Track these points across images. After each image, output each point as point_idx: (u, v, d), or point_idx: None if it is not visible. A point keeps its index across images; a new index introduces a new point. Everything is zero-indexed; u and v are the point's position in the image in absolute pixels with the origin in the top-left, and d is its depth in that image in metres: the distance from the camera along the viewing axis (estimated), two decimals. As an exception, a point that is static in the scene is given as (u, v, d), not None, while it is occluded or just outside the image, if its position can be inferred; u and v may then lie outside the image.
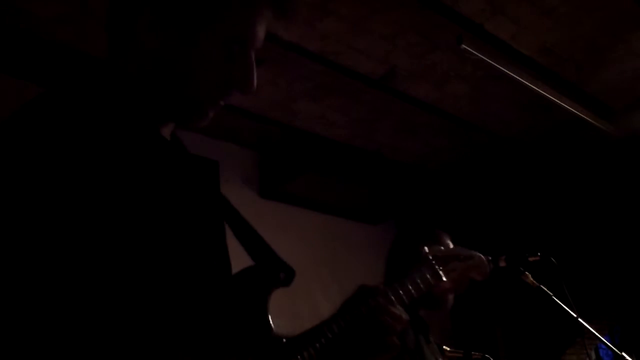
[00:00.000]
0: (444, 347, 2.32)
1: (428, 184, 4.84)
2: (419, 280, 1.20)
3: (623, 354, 1.98)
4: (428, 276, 1.22)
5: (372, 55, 3.39)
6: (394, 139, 4.30)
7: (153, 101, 0.95)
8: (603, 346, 2.55)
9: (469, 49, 3.15)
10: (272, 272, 1.08)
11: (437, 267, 1.25)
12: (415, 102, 3.87)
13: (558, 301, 2.05)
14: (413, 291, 1.17)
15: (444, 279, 1.23)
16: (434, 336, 2.12)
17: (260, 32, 0.97)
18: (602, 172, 4.47)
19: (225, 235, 1.07)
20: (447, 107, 3.97)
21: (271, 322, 1.03)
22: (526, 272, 2.13)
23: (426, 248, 1.28)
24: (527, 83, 3.47)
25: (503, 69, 3.34)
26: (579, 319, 2.04)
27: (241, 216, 1.13)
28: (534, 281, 2.11)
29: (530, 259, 2.15)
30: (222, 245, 1.04)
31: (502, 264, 2.16)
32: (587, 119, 3.91)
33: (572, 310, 2.05)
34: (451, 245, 2.15)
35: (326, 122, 3.98)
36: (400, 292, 1.15)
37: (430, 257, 1.25)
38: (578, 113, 3.82)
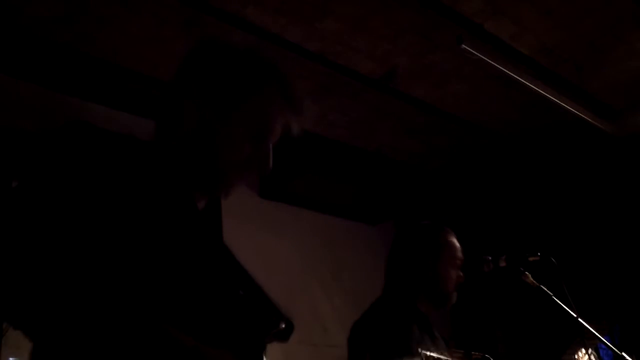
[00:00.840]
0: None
1: (428, 184, 4.84)
2: None
3: (623, 354, 1.98)
4: None
5: (372, 55, 3.39)
6: (394, 139, 4.30)
7: (189, 172, 1.11)
8: (603, 346, 2.54)
9: (469, 49, 3.15)
10: (274, 320, 1.19)
11: None
12: (415, 102, 3.87)
13: (558, 301, 2.05)
14: None
15: None
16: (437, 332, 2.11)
17: (278, 127, 1.17)
18: (602, 172, 4.47)
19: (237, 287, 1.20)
20: (447, 107, 3.97)
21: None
22: (526, 272, 2.13)
23: (421, 350, 1.39)
24: (527, 83, 3.46)
25: (503, 69, 3.34)
26: (579, 319, 2.05)
27: (247, 272, 1.26)
28: (534, 281, 2.11)
29: (530, 259, 2.15)
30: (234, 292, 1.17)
31: (502, 264, 2.16)
32: (587, 119, 3.91)
33: (572, 310, 2.05)
34: (458, 246, 2.15)
35: (326, 122, 3.98)
36: None
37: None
38: (578, 113, 3.82)
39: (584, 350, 2.37)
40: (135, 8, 2.88)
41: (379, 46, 3.32)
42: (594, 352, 2.39)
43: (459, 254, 2.14)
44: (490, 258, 2.19)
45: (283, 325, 1.17)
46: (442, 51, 3.38)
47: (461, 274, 2.13)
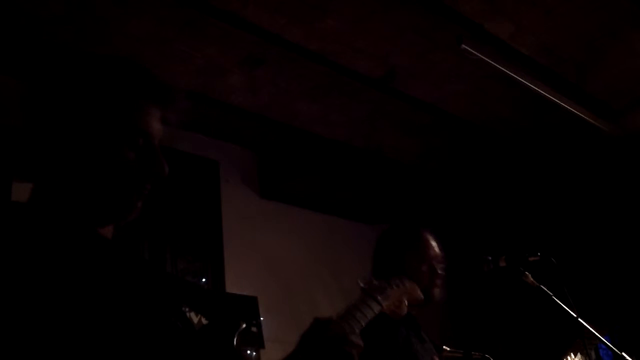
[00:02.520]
0: (444, 347, 2.32)
1: (427, 184, 4.84)
2: (364, 310, 1.35)
3: (623, 354, 1.98)
4: (371, 305, 1.37)
5: (372, 55, 3.39)
6: (394, 139, 4.30)
7: (82, 207, 1.02)
8: (603, 346, 2.54)
9: (469, 49, 3.15)
10: (233, 323, 1.11)
11: (375, 296, 1.40)
12: (415, 102, 3.87)
13: (558, 301, 2.05)
14: (361, 320, 1.31)
15: (383, 305, 1.40)
16: (432, 334, 2.12)
17: (156, 126, 1.08)
18: (602, 172, 4.47)
19: (175, 321, 1.06)
20: (447, 107, 3.97)
21: None
22: (526, 272, 2.13)
23: (360, 282, 1.43)
24: (527, 83, 3.46)
25: (503, 69, 3.34)
26: (579, 319, 2.05)
27: (190, 283, 1.14)
28: (534, 281, 2.11)
29: (530, 259, 2.15)
30: (171, 331, 1.03)
31: (502, 264, 2.16)
32: (587, 118, 3.91)
33: (572, 311, 2.05)
34: (431, 244, 2.17)
35: (326, 122, 3.98)
36: (351, 322, 1.28)
37: (367, 288, 1.42)
38: (578, 113, 3.82)
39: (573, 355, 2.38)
40: (135, 8, 2.88)
41: (379, 46, 3.32)
42: (590, 355, 2.39)
43: (436, 251, 2.15)
44: (490, 258, 2.19)
45: (243, 325, 1.12)
46: (442, 51, 3.38)
47: (441, 271, 2.14)
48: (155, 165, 1.06)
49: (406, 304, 1.52)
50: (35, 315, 0.83)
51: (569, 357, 2.40)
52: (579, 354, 2.38)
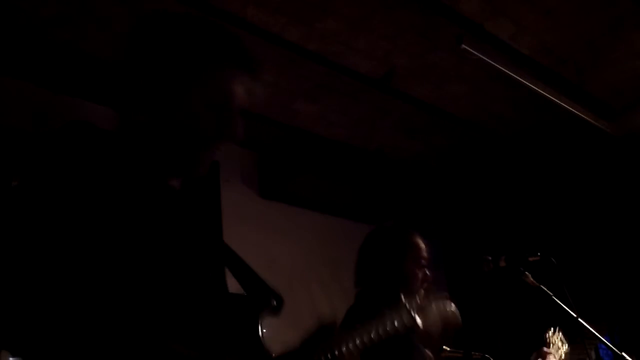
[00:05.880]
0: (444, 347, 2.32)
1: (428, 183, 4.84)
2: (391, 326, 1.28)
3: (623, 354, 1.98)
4: (402, 322, 1.29)
5: (372, 55, 3.39)
6: (394, 139, 4.30)
7: (157, 155, 1.10)
8: (603, 346, 2.54)
9: (469, 49, 3.15)
10: (264, 299, 1.19)
11: (413, 313, 1.34)
12: (415, 102, 3.87)
13: (558, 301, 2.05)
14: (381, 334, 1.25)
15: (421, 326, 1.33)
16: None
17: (239, 90, 1.15)
18: (602, 171, 4.47)
19: (224, 266, 1.20)
20: (447, 107, 3.97)
21: (264, 344, 1.14)
22: (526, 272, 2.13)
23: (402, 294, 1.36)
24: (527, 83, 3.46)
25: (503, 69, 3.34)
26: (579, 319, 2.05)
27: (233, 251, 1.25)
28: (534, 281, 2.11)
29: (530, 259, 2.15)
30: (221, 273, 1.18)
31: (502, 264, 2.16)
32: (587, 118, 3.91)
33: (572, 311, 2.05)
34: (423, 247, 2.17)
35: (326, 122, 3.98)
36: (366, 337, 1.24)
37: (407, 305, 1.33)
38: (578, 113, 3.82)
39: (553, 331, 2.39)
40: (135, 8, 2.88)
41: (379, 46, 3.32)
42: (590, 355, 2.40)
43: (424, 254, 2.16)
44: (490, 258, 2.19)
45: (274, 302, 1.18)
46: (442, 51, 3.38)
47: (427, 273, 2.14)
48: (229, 127, 1.12)
49: (440, 330, 1.45)
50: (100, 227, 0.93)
51: (550, 336, 2.41)
52: (560, 333, 2.39)
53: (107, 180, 0.98)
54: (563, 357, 2.38)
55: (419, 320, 1.34)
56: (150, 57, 1.12)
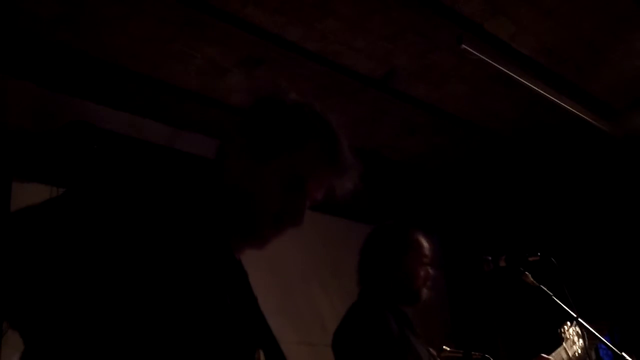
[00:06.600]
0: (444, 347, 2.32)
1: (428, 183, 4.84)
2: None
3: (623, 354, 1.98)
4: None
5: (372, 55, 3.39)
6: (394, 139, 4.30)
7: (226, 217, 1.13)
8: (603, 346, 2.54)
9: (469, 49, 3.15)
10: None
11: None
12: (415, 102, 3.86)
13: (558, 301, 2.05)
14: None
15: None
16: (432, 333, 2.13)
17: (317, 184, 1.18)
18: (602, 172, 4.47)
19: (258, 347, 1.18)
20: (447, 107, 3.97)
21: None
22: (526, 272, 2.13)
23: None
24: (527, 83, 3.46)
25: (503, 69, 3.34)
26: (579, 319, 2.05)
27: (270, 331, 1.24)
28: (534, 281, 2.11)
29: (530, 259, 2.15)
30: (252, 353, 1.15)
31: (502, 264, 2.16)
32: (587, 118, 3.91)
33: (572, 310, 2.05)
34: (425, 245, 2.18)
35: (326, 122, 3.97)
36: None
37: None
38: (578, 113, 3.82)
39: (569, 325, 2.38)
40: (135, 8, 2.88)
41: (379, 46, 3.32)
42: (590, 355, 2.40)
43: (426, 252, 2.17)
44: (490, 258, 2.19)
45: None
46: (442, 51, 3.38)
47: (430, 271, 2.15)
48: (294, 217, 1.16)
49: None
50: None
51: (566, 330, 2.41)
52: (577, 327, 2.38)
53: (178, 230, 1.00)
54: (579, 352, 2.37)
55: None
56: (251, 129, 1.17)
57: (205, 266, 1.03)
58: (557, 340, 2.42)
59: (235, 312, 1.08)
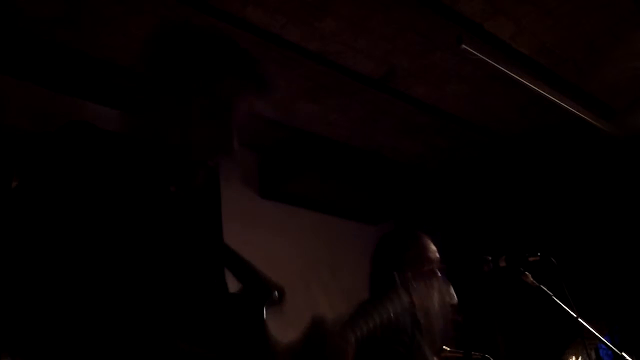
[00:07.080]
0: (444, 347, 2.32)
1: (428, 184, 4.84)
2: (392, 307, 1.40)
3: (623, 354, 1.98)
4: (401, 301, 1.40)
5: (372, 55, 3.39)
6: (394, 139, 4.30)
7: (158, 159, 1.13)
8: (603, 346, 2.54)
9: (469, 49, 3.15)
10: (265, 292, 1.22)
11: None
12: (415, 102, 3.86)
13: (558, 301, 2.05)
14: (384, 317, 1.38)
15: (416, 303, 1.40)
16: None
17: (240, 106, 1.17)
18: (602, 172, 4.47)
19: (223, 266, 1.23)
20: (447, 107, 3.97)
21: (270, 336, 1.18)
22: (526, 272, 2.13)
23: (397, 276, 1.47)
24: (527, 83, 3.46)
25: (503, 69, 3.33)
26: (579, 319, 2.05)
27: (232, 249, 1.27)
28: (534, 281, 2.11)
29: (530, 259, 2.15)
30: (220, 272, 1.21)
31: (502, 264, 2.17)
32: (587, 119, 3.91)
33: (572, 310, 2.05)
34: (434, 249, 2.21)
35: (326, 122, 3.98)
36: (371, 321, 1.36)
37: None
38: (578, 113, 3.82)
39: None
40: (135, 8, 2.88)
41: (379, 46, 3.32)
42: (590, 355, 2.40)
43: (435, 255, 2.19)
44: (490, 258, 2.20)
45: (276, 294, 1.20)
46: (442, 51, 3.38)
47: (438, 272, 2.18)
48: (225, 144, 1.16)
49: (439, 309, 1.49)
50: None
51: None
52: (580, 357, 2.39)
53: (108, 181, 1.00)
54: None
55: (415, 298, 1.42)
56: (160, 65, 1.18)
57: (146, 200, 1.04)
58: (557, 340, 2.42)
59: (189, 243, 1.10)
